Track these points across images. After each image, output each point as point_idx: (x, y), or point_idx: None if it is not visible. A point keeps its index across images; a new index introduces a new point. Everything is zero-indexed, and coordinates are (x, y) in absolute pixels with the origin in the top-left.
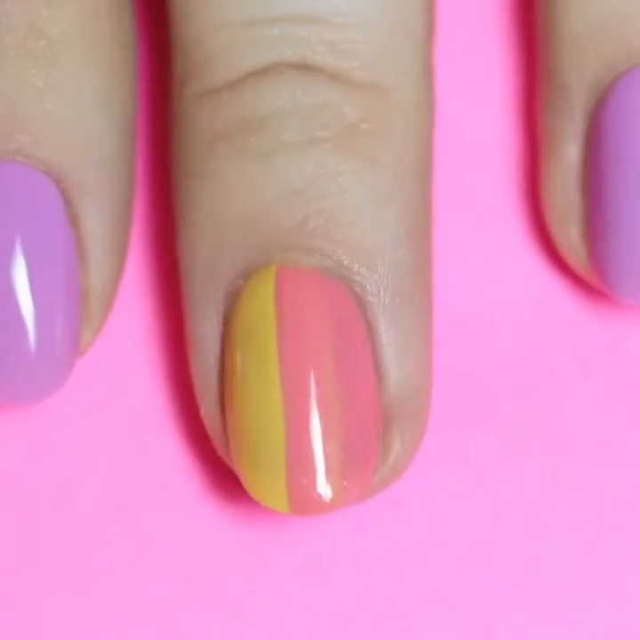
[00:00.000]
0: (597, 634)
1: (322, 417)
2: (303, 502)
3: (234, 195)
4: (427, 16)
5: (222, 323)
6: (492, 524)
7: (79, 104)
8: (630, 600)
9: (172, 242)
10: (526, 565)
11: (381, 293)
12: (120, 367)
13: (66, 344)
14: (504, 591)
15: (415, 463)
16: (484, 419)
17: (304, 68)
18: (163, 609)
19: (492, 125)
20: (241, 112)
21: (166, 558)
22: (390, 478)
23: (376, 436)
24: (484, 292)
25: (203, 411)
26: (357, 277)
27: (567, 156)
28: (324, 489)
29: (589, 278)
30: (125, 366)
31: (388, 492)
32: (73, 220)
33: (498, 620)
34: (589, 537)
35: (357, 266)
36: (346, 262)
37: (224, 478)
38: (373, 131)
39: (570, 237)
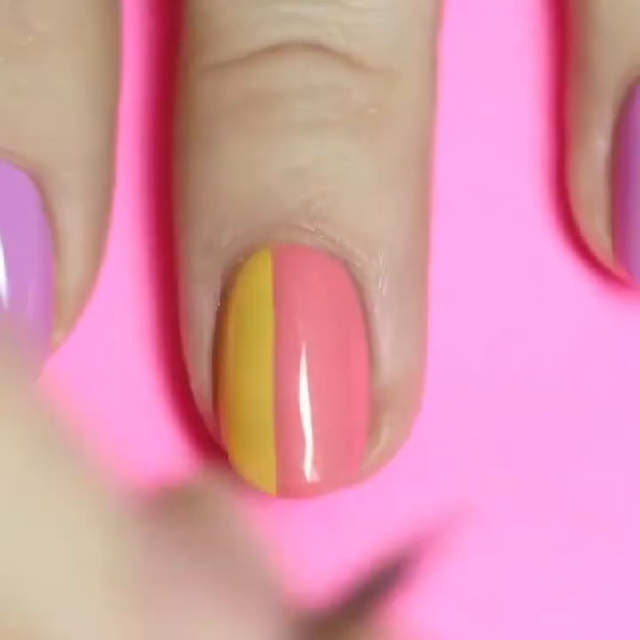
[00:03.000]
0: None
1: (312, 400)
2: (290, 485)
3: (237, 170)
4: (437, 2)
5: (219, 300)
6: (496, 524)
7: (60, 102)
8: (634, 600)
9: (162, 220)
10: (531, 565)
11: (380, 280)
12: (111, 350)
13: (36, 341)
14: (509, 587)
15: (418, 465)
16: (500, 414)
17: (316, 48)
18: None
19: (519, 114)
20: (249, 87)
21: None
22: (378, 466)
23: (364, 423)
24: (506, 285)
25: (194, 388)
26: (358, 263)
27: (595, 146)
28: (310, 473)
29: (614, 268)
30: (117, 349)
31: (389, 490)
32: (49, 216)
33: (501, 610)
34: (593, 537)
35: (359, 251)
36: (347, 246)
37: (216, 457)
38: (380, 116)
39: (595, 227)
